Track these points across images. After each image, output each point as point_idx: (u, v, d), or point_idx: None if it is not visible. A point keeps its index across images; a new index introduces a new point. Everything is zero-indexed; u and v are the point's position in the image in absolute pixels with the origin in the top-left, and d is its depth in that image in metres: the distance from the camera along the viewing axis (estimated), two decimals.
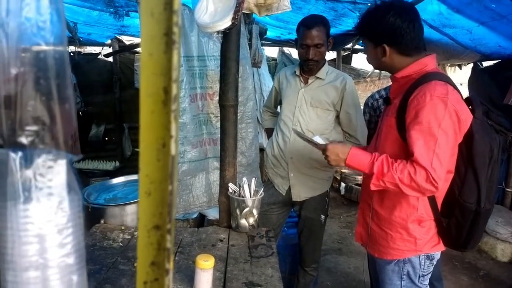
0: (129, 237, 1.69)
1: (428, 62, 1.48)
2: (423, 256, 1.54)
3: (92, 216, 1.98)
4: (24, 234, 0.52)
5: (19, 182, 0.50)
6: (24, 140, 0.50)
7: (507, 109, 3.83)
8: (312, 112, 2.18)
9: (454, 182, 1.44)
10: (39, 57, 0.50)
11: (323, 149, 1.55)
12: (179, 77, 0.31)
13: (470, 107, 1.43)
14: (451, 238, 1.51)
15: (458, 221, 1.46)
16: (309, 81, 2.20)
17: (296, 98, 2.21)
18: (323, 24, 2.05)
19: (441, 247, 1.56)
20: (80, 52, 5.09)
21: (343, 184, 5.28)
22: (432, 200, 1.48)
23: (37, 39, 0.52)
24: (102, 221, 1.88)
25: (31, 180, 0.50)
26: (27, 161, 0.50)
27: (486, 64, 4.34)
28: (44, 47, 0.51)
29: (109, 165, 4.39)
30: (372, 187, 1.42)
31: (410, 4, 1.59)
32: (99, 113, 5.15)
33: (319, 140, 1.67)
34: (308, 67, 2.14)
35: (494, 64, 4.16)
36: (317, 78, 2.18)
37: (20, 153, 0.50)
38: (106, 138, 5.26)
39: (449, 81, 1.41)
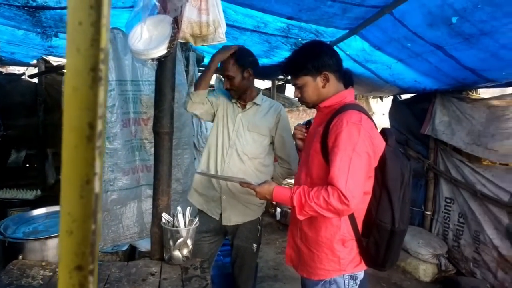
0: (51, 273, 1.55)
1: (347, 95, 1.66)
2: (347, 276, 1.61)
3: (9, 251, 1.79)
4: None
5: None
6: None
7: (424, 138, 4.21)
8: (249, 136, 2.24)
9: (371, 203, 1.57)
10: None
11: (252, 189, 1.67)
12: (105, 114, 0.30)
13: (384, 137, 1.60)
14: (370, 257, 1.62)
15: (376, 240, 1.57)
16: (247, 106, 2.28)
17: (234, 122, 2.26)
18: (235, 58, 2.16)
19: (363, 267, 1.66)
20: (1, 72, 4.72)
21: (278, 210, 5.35)
22: (352, 220, 1.59)
23: None
24: (20, 257, 1.71)
25: None
26: None
27: (404, 96, 4.77)
28: None
29: (29, 194, 4.04)
30: (299, 218, 1.52)
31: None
32: (20, 137, 4.75)
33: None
34: (231, 95, 2.26)
35: (412, 97, 4.58)
36: (255, 103, 2.28)
37: None
38: (27, 165, 4.85)
39: (363, 111, 1.58)
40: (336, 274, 1.60)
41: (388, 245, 1.56)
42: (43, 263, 1.64)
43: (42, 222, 2.16)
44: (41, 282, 1.48)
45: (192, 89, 2.26)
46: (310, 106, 1.73)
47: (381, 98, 5.57)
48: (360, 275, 1.65)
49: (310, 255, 1.66)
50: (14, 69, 5.07)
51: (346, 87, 2.29)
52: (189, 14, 1.37)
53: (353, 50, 3.04)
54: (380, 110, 7.83)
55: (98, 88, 0.31)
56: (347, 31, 2.71)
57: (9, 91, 4.62)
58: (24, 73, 4.86)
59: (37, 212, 2.28)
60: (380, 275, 3.62)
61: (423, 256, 3.76)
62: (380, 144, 1.54)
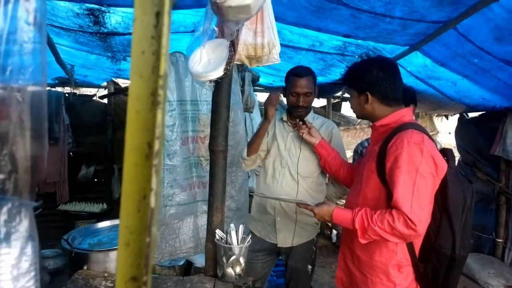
0: (112, 285, 1.63)
1: (405, 114, 1.61)
2: None
3: (75, 261, 1.92)
4: None
5: None
6: None
7: (494, 159, 3.90)
8: (301, 155, 2.23)
9: (430, 228, 1.49)
10: (15, 101, 0.53)
11: (310, 210, 1.65)
12: (163, 135, 0.33)
13: (445, 158, 1.52)
14: (428, 284, 1.54)
15: (435, 266, 1.50)
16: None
17: (285, 141, 2.27)
18: (311, 75, 2.19)
19: None
20: (75, 93, 5.15)
21: (334, 232, 5.21)
22: (410, 245, 1.52)
23: (15, 82, 0.54)
24: (85, 267, 1.83)
25: None
26: None
27: (472, 115, 4.48)
28: (21, 91, 0.53)
29: (96, 207, 4.32)
30: (362, 241, 1.47)
31: (391, 60, 1.77)
32: (90, 154, 5.13)
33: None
34: (297, 114, 2.22)
35: (480, 115, 4.28)
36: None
37: None
38: (96, 179, 5.20)
39: (424, 131, 1.53)
40: None
41: (448, 272, 1.49)
42: (105, 274, 1.74)
43: (106, 235, 2.30)
44: None
45: (245, 153, 2.29)
46: (358, 116, 1.78)
47: (446, 116, 5.27)
48: None
49: (363, 279, 1.60)
50: (86, 90, 5.51)
51: (408, 105, 2.24)
52: (245, 37, 1.42)
53: (414, 67, 2.93)
54: (445, 129, 7.40)
55: (156, 111, 0.34)
56: (407, 47, 2.63)
57: (81, 111, 5.02)
58: (95, 94, 5.26)
59: (101, 224, 2.43)
60: None
61: (493, 287, 3.44)
62: (443, 166, 1.46)
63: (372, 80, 1.57)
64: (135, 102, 0.35)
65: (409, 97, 2.38)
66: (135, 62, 0.34)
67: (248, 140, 3.68)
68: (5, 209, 0.53)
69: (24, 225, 0.54)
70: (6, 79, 0.54)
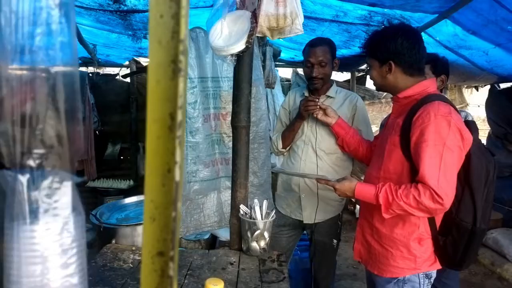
0: (139, 258, 1.68)
1: (429, 85, 1.55)
2: (422, 275, 1.55)
3: (104, 235, 1.98)
4: (29, 254, 0.53)
5: (26, 203, 0.51)
6: (32, 162, 0.51)
7: None
8: (323, 131, 2.18)
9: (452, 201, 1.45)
10: (48, 80, 0.52)
11: (331, 186, 1.64)
12: (185, 105, 0.31)
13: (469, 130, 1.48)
14: (447, 256, 1.53)
15: (455, 239, 1.49)
16: (320, 100, 2.19)
17: (307, 119, 2.21)
18: (328, 44, 2.11)
19: (438, 266, 1.58)
20: (99, 73, 5.22)
21: (358, 207, 5.18)
22: (431, 218, 1.51)
23: (47, 61, 0.53)
24: (113, 241, 1.88)
25: (38, 201, 0.52)
26: (34, 183, 0.51)
27: (503, 85, 4.28)
28: (54, 69, 0.52)
29: (123, 184, 4.44)
30: (385, 216, 1.46)
31: (415, 28, 1.68)
32: (115, 132, 5.24)
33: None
34: (313, 86, 2.16)
35: None
36: (328, 96, 2.21)
37: (27, 175, 0.51)
38: (122, 157, 5.33)
39: (450, 103, 1.48)
40: (411, 273, 1.55)
41: (467, 245, 1.48)
42: (133, 248, 1.79)
43: (133, 210, 2.36)
44: (131, 265, 1.62)
45: (280, 146, 2.32)
46: (377, 88, 1.71)
47: (476, 87, 5.05)
48: (434, 274, 1.58)
49: (382, 252, 1.60)
50: (110, 70, 5.57)
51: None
52: (266, 8, 1.37)
53: (443, 36, 2.80)
54: (475, 101, 7.12)
55: (178, 79, 0.32)
56: (436, 15, 2.50)
57: (105, 90, 5.11)
58: (118, 74, 5.32)
59: (128, 200, 2.49)
60: (473, 281, 3.31)
61: None
62: (469, 139, 1.42)
63: (397, 49, 1.50)
64: (155, 71, 0.33)
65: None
66: (153, 27, 0.32)
67: (270, 114, 3.64)
68: (45, 184, 0.52)
69: (65, 199, 0.54)
70: (33, 60, 0.53)
